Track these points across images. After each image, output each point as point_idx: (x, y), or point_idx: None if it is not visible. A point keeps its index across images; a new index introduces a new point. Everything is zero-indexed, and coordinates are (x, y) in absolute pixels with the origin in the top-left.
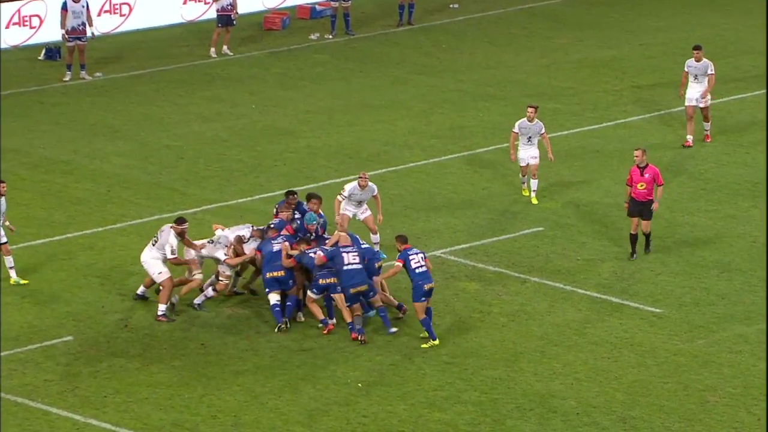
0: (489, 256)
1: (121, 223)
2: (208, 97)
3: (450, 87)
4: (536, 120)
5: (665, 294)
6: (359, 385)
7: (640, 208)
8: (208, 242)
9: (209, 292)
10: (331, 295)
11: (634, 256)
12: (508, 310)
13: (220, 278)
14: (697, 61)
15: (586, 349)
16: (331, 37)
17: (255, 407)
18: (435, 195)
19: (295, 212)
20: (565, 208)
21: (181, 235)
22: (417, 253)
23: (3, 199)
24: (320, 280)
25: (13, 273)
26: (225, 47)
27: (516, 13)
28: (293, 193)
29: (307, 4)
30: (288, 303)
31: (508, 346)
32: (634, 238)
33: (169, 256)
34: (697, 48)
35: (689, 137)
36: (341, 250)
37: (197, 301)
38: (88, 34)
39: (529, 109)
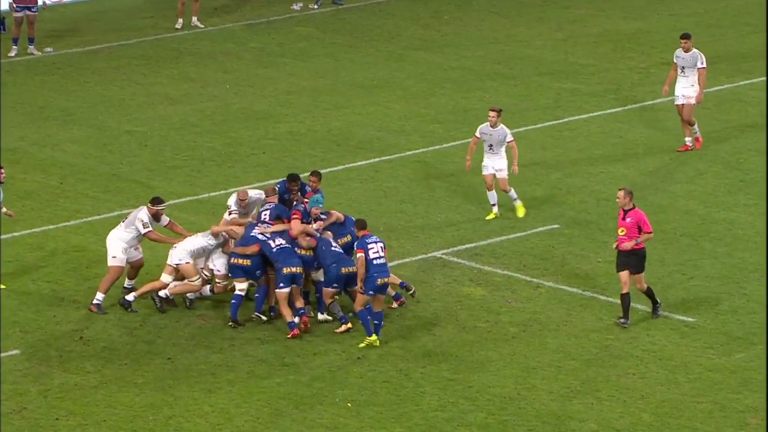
0: (497, 258)
1: (75, 220)
2: (176, 75)
3: (452, 64)
4: (500, 125)
5: (699, 301)
6: (349, 405)
7: (626, 260)
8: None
9: (205, 290)
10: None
11: (626, 322)
12: (518, 319)
13: (217, 280)
14: (686, 51)
15: (608, 363)
16: (316, 7)
17: (229, 431)
18: (435, 187)
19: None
20: (583, 203)
21: (155, 217)
22: (376, 242)
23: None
24: (284, 269)
25: None
26: (194, 18)
27: None
28: (296, 178)
29: None
30: (256, 295)
31: (518, 360)
32: (626, 299)
33: (143, 230)
34: (685, 36)
35: (687, 140)
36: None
37: (190, 296)
38: (39, 2)
39: (491, 113)
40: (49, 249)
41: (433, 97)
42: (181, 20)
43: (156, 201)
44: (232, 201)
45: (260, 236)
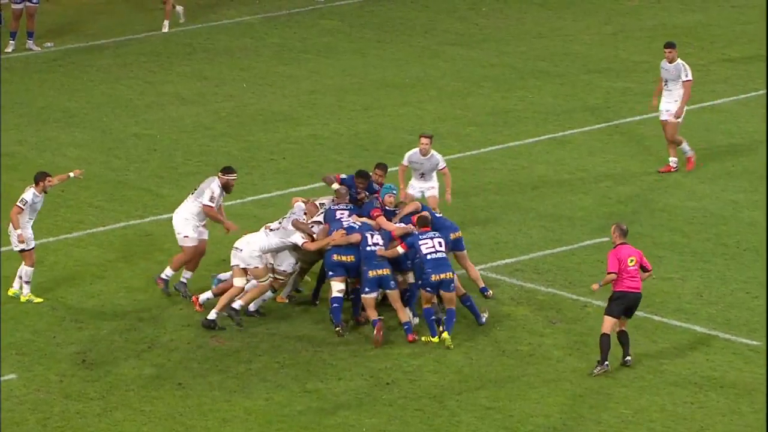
0: (540, 274)
1: (78, 231)
2: (188, 73)
3: (492, 61)
4: (432, 153)
5: (764, 322)
6: None
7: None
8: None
9: (267, 293)
10: (387, 292)
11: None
12: (564, 341)
13: (278, 276)
14: (670, 62)
15: (664, 391)
16: None
17: None
18: (472, 196)
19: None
20: (635, 214)
21: (226, 188)
22: (432, 237)
23: (36, 195)
24: (370, 272)
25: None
26: (178, 8)
27: None
28: (366, 175)
29: None
30: (352, 296)
31: (564, 387)
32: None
33: (206, 202)
34: (669, 46)
35: (672, 160)
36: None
37: (252, 307)
38: None
39: (423, 140)
40: (49, 263)
41: (470, 98)
42: (167, 22)
43: (227, 170)
44: (299, 209)
45: (355, 225)
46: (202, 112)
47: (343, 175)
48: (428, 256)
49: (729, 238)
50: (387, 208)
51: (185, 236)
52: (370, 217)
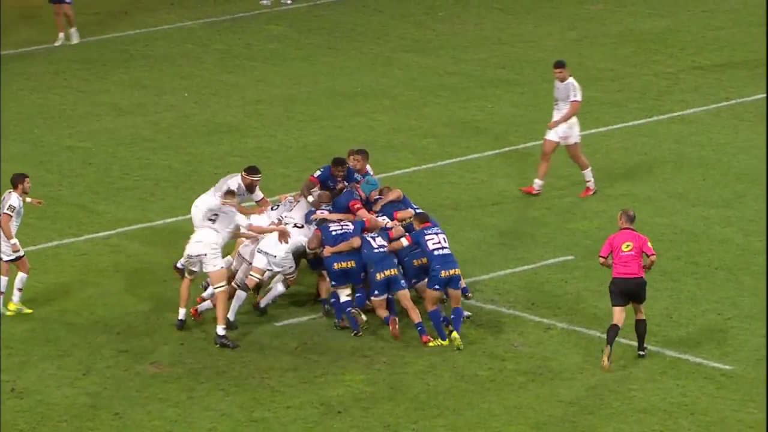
0: (501, 294)
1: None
2: (125, 82)
3: (449, 69)
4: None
5: (737, 345)
6: None
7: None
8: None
9: (279, 287)
10: (397, 293)
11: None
12: (526, 366)
13: (287, 276)
14: (561, 81)
15: (632, 419)
16: (289, 2)
17: None
18: (429, 212)
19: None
20: (601, 231)
21: (249, 188)
22: (437, 233)
23: (19, 198)
24: (378, 274)
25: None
26: (71, 30)
27: None
28: (342, 162)
29: None
30: (357, 294)
31: (527, 414)
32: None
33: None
34: (558, 65)
35: (536, 182)
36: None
37: (263, 303)
38: None
39: (355, 157)
40: None
41: (426, 108)
42: (62, 34)
43: (251, 170)
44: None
45: (344, 231)
46: (140, 123)
47: (318, 172)
48: (435, 252)
49: (700, 256)
50: (371, 201)
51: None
52: (348, 210)
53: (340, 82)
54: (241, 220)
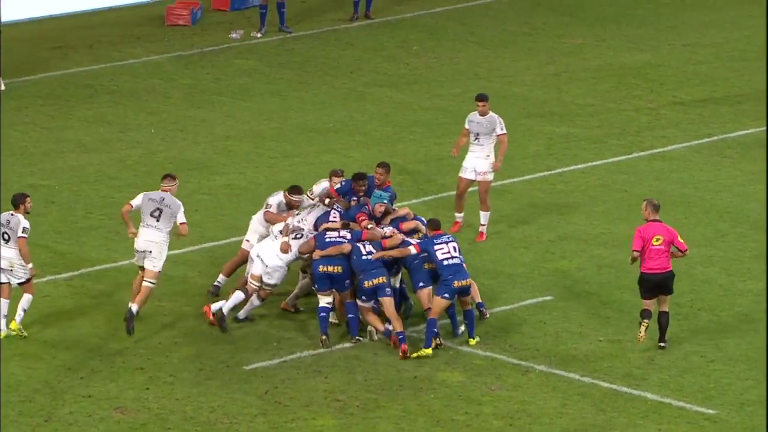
0: (478, 336)
1: None
2: (90, 118)
3: (424, 104)
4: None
5: (721, 389)
6: None
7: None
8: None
9: (255, 301)
10: (380, 299)
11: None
12: (504, 410)
13: (265, 287)
14: (482, 115)
15: None
16: (259, 35)
17: None
18: None
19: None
20: (581, 270)
21: (289, 207)
22: (447, 242)
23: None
24: (365, 282)
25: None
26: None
27: (513, 3)
28: (363, 177)
29: None
30: (350, 315)
31: None
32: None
33: (265, 208)
34: (481, 98)
35: (459, 216)
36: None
37: (242, 315)
38: None
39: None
40: None
41: (400, 144)
42: None
43: (294, 190)
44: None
45: (340, 239)
46: (105, 160)
47: (338, 185)
48: (444, 262)
49: (682, 297)
50: (377, 216)
51: (246, 240)
52: (354, 221)
53: (311, 117)
54: (181, 217)
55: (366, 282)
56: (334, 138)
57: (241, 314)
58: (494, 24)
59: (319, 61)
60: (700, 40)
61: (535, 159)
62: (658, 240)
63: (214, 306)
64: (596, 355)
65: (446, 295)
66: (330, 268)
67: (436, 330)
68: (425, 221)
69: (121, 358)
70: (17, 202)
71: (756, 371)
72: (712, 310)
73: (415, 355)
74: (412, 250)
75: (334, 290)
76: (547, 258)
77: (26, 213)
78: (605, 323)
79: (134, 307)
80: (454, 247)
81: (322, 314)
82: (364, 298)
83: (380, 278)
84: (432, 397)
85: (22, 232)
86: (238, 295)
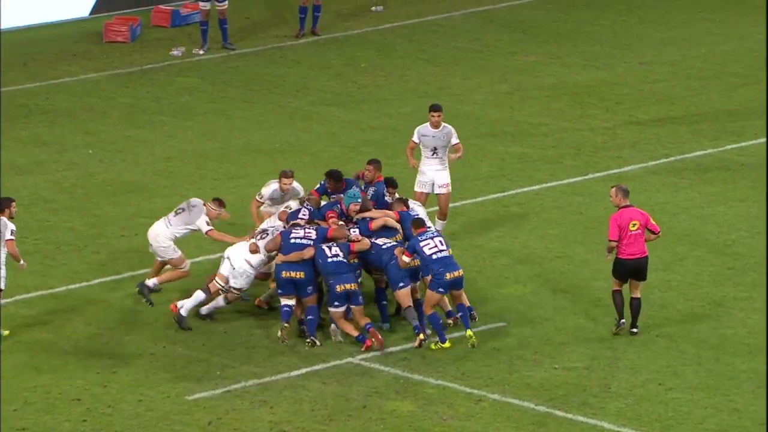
0: (428, 364)
1: None
2: (24, 138)
3: (372, 124)
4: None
5: (679, 417)
6: None
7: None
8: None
9: (219, 301)
10: (351, 307)
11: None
12: None
13: (232, 291)
14: (435, 127)
15: None
16: (201, 52)
17: None
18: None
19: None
20: (536, 295)
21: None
22: (432, 237)
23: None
24: (337, 286)
25: None
26: None
27: (465, 19)
28: (339, 178)
29: (167, 6)
30: (309, 317)
31: None
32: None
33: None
34: (435, 109)
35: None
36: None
37: (204, 311)
38: None
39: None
40: None
41: (348, 164)
42: None
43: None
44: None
45: (304, 241)
46: (40, 182)
47: (318, 185)
48: (433, 257)
49: (639, 322)
50: (350, 215)
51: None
52: (324, 219)
53: (256, 137)
54: (202, 225)
55: (338, 286)
56: (280, 159)
57: (204, 310)
58: (445, 41)
59: (264, 79)
60: (656, 58)
61: (487, 180)
62: (635, 225)
63: (178, 303)
64: (551, 383)
65: (440, 289)
66: (293, 274)
67: (441, 322)
68: (417, 215)
69: (57, 389)
70: (2, 206)
71: (717, 399)
72: (670, 336)
73: (434, 346)
74: (405, 258)
75: (297, 295)
76: (500, 282)
77: (11, 218)
78: (560, 350)
79: (151, 281)
80: (441, 241)
81: (285, 309)
82: (336, 303)
83: (351, 284)
84: (382, 428)
85: (10, 235)
86: (198, 295)
